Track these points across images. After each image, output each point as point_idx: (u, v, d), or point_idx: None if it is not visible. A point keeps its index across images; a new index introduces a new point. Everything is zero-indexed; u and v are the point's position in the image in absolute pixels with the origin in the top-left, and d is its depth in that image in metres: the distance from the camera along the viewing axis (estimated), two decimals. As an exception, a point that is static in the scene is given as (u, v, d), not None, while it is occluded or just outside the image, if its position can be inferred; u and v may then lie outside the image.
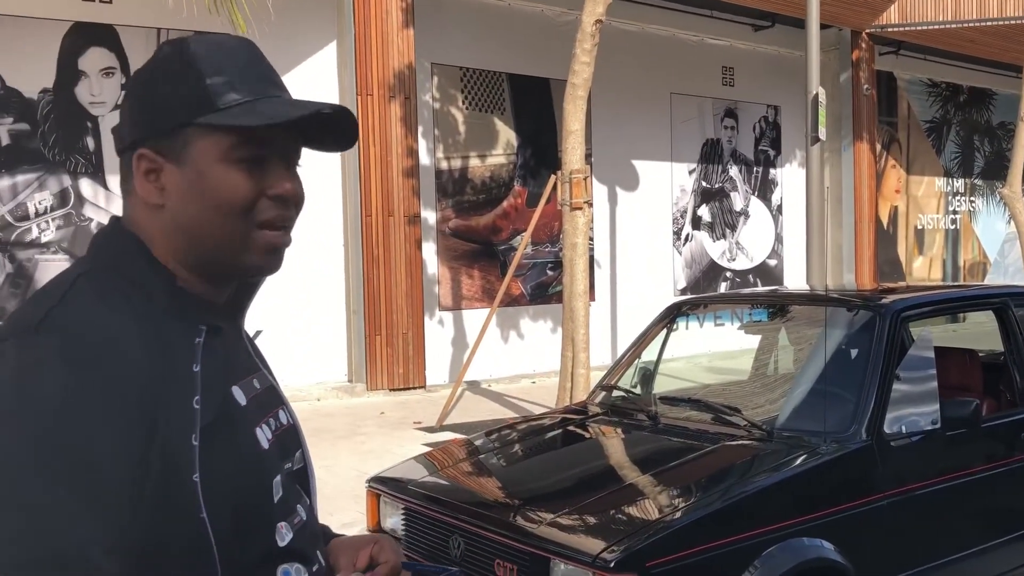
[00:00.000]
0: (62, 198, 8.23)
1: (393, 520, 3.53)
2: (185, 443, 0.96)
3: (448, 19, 10.32)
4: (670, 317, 4.49)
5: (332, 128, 1.12)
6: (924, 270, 16.35)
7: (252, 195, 1.05)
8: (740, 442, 3.36)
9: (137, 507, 0.92)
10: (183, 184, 1.04)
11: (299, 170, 1.12)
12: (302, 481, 1.19)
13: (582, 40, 6.94)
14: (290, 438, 1.18)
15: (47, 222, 8.18)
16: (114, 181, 8.16)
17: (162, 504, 0.94)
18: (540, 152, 10.90)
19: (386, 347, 9.41)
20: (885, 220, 15.42)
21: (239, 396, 1.07)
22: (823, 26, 12.69)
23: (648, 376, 4.33)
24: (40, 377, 0.91)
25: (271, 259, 1.09)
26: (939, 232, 16.69)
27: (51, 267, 8.13)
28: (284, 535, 1.08)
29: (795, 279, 13.63)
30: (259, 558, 1.05)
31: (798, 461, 3.11)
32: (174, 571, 0.96)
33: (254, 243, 1.07)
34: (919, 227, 16.23)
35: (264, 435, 1.09)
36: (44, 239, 8.17)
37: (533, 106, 11.06)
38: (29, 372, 0.92)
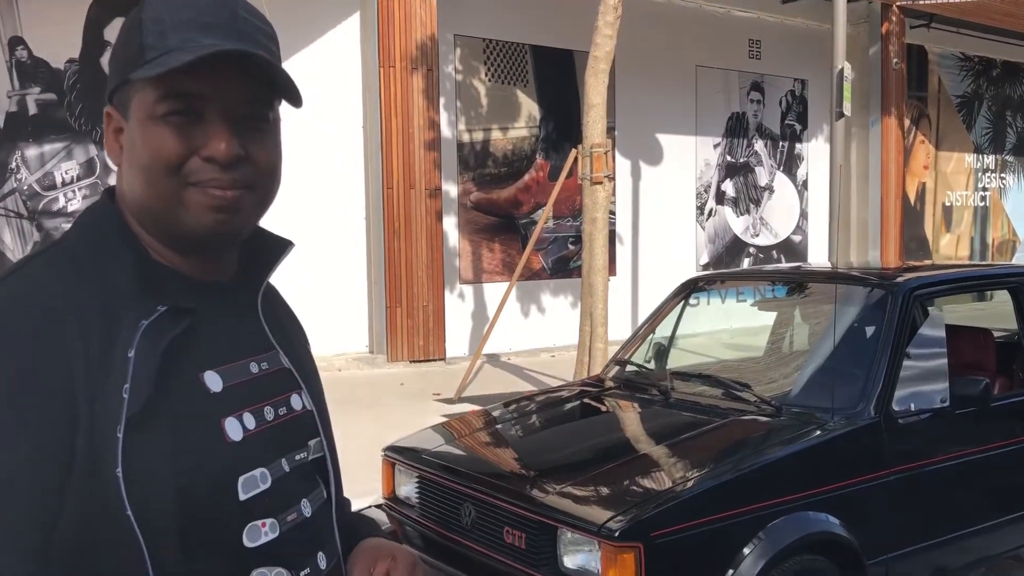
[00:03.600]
0: (88, 167, 8.34)
1: (407, 488, 3.60)
2: (110, 435, 0.89)
3: (472, -10, 10.29)
4: (685, 293, 4.50)
5: (281, 79, 1.02)
6: (951, 248, 16.17)
7: (177, 154, 0.97)
8: (749, 417, 3.39)
9: (58, 502, 0.88)
10: (128, 143, 1.00)
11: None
12: (321, 472, 1.12)
13: (605, 13, 6.90)
14: (302, 426, 1.10)
15: (73, 191, 8.30)
16: (139, 151, 8.24)
17: (84, 500, 0.88)
18: (563, 125, 10.87)
19: (407, 319, 9.49)
20: (912, 196, 15.25)
21: (212, 382, 1.00)
22: (852, -1, 12.54)
23: (662, 351, 4.37)
24: None
25: (219, 218, 1.00)
26: (967, 209, 16.47)
27: (78, 236, 8.26)
28: (261, 535, 1.00)
29: (819, 255, 13.54)
30: (217, 561, 0.96)
31: (805, 436, 3.14)
32: (99, 572, 0.90)
33: (188, 202, 0.98)
34: (947, 204, 16.04)
35: (240, 425, 1.00)
36: (70, 208, 8.29)
37: (556, 78, 11.01)
38: None
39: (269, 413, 1.05)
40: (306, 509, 1.06)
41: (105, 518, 0.89)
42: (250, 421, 1.02)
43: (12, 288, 0.94)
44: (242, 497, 0.98)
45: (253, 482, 0.99)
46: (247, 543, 0.98)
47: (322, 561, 1.08)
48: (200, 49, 0.94)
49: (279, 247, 1.14)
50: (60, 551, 0.88)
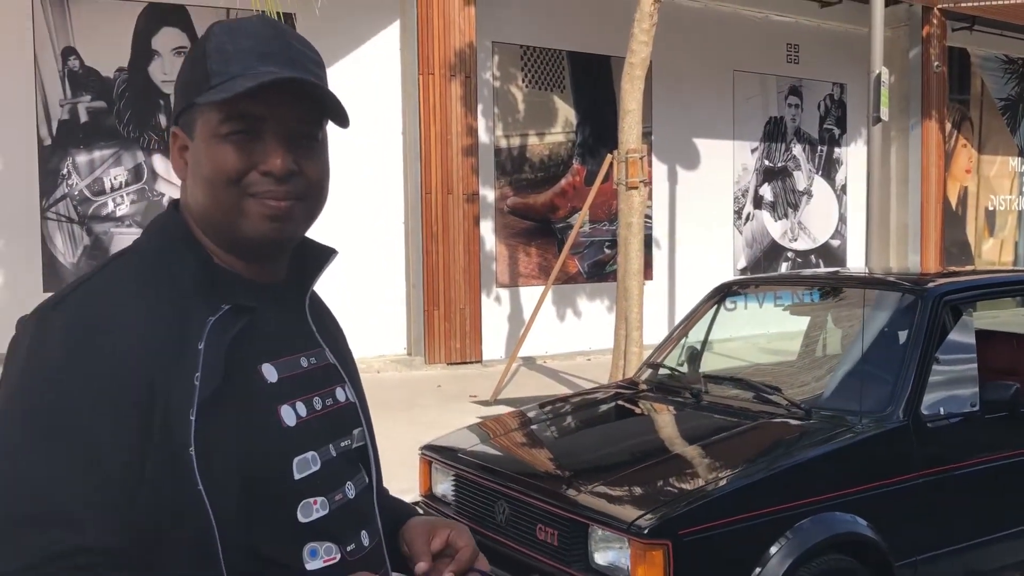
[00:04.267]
0: (136, 173, 8.58)
1: (443, 486, 3.70)
2: (184, 417, 1.00)
3: (509, -2, 10.40)
4: (719, 297, 4.56)
5: (331, 103, 1.12)
6: (994, 252, 15.95)
7: (238, 168, 1.08)
8: (779, 420, 3.45)
9: (137, 476, 0.97)
10: (193, 159, 1.11)
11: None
12: (363, 459, 1.22)
13: (640, 20, 6.96)
14: (347, 416, 1.20)
15: (122, 196, 8.54)
16: (185, 158, 8.46)
17: (161, 475, 0.98)
18: (599, 130, 10.93)
19: (444, 322, 9.61)
20: (954, 201, 15.08)
21: (269, 374, 1.11)
22: (893, 2, 12.45)
23: (695, 355, 4.42)
24: (43, 349, 1.00)
25: (274, 227, 1.11)
26: (1011, 214, 16.24)
27: (125, 240, 8.47)
28: (313, 511, 1.10)
29: (858, 260, 13.44)
30: (275, 534, 1.06)
31: (834, 438, 3.19)
32: (172, 541, 0.99)
33: (247, 211, 1.09)
34: (990, 208, 15.82)
35: (294, 412, 1.11)
36: (119, 213, 8.53)
37: (593, 84, 11.08)
38: (37, 344, 1.01)
39: (318, 403, 1.16)
40: (350, 491, 1.17)
41: (179, 493, 0.99)
42: (302, 409, 1.13)
43: (96, 286, 1.06)
44: (296, 477, 1.09)
45: (305, 464, 1.10)
46: (301, 519, 1.09)
47: (365, 539, 1.18)
48: (261, 76, 1.05)
49: (324, 255, 1.25)
50: (138, 523, 0.98)
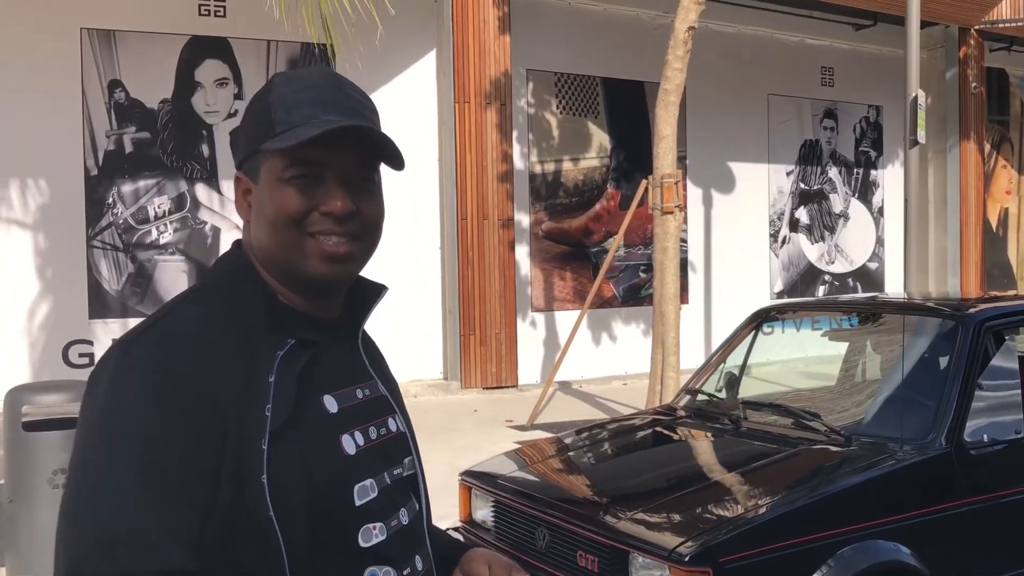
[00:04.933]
0: (179, 202, 8.75)
1: (483, 512, 3.73)
2: (256, 447, 1.05)
3: (544, 25, 10.51)
4: (757, 322, 4.56)
5: (389, 148, 1.19)
6: (1037, 275, 15.70)
7: (301, 210, 1.14)
8: (819, 446, 3.44)
9: (210, 503, 1.03)
10: (257, 202, 1.17)
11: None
12: (413, 487, 1.27)
13: (674, 47, 7.01)
14: (398, 445, 1.26)
15: (165, 225, 8.72)
16: (227, 187, 8.64)
17: (233, 502, 1.03)
18: (634, 155, 10.97)
19: (480, 346, 9.66)
20: (994, 222, 14.89)
21: (330, 404, 1.17)
22: (928, 23, 12.39)
23: (733, 381, 4.42)
24: (127, 382, 1.05)
25: (333, 267, 1.16)
26: (1054, 235, 16.00)
27: (169, 267, 8.67)
28: (373, 536, 1.15)
29: (896, 283, 13.30)
30: (338, 558, 1.11)
31: (875, 465, 3.17)
32: (243, 566, 1.04)
33: (308, 251, 1.15)
34: (1032, 229, 15.60)
35: (353, 442, 1.17)
36: (162, 241, 8.71)
37: (627, 109, 11.14)
38: (120, 377, 1.06)
39: (373, 432, 1.22)
40: (404, 517, 1.22)
41: (250, 519, 1.05)
42: (359, 438, 1.19)
43: (171, 324, 1.12)
44: (357, 503, 1.15)
45: (365, 491, 1.16)
46: (362, 543, 1.14)
47: (419, 563, 1.23)
48: (324, 124, 1.12)
49: (374, 291, 1.31)
50: (210, 547, 1.03)
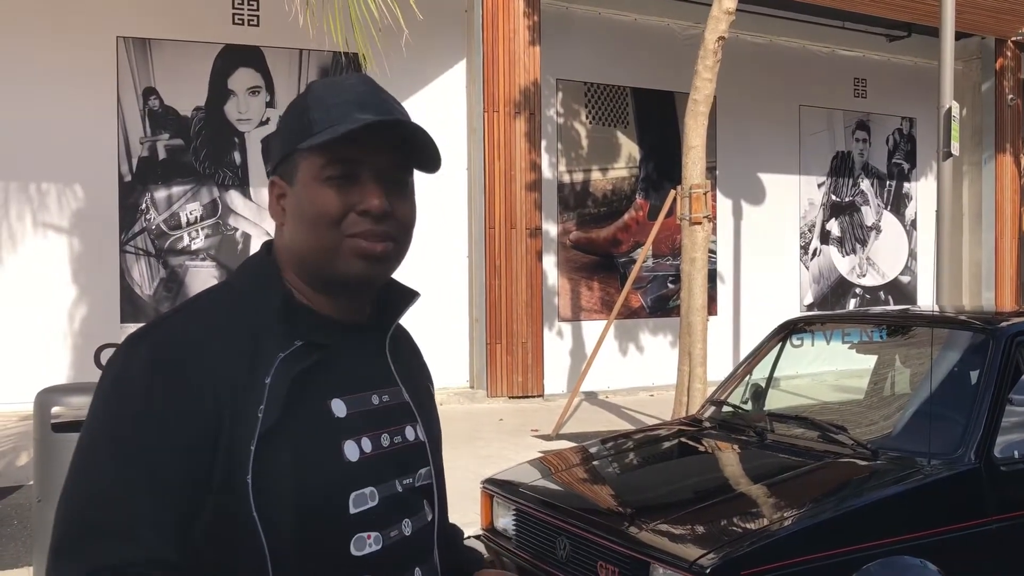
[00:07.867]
0: (211, 209, 8.86)
1: (505, 520, 3.72)
2: (245, 447, 1.06)
3: (574, 35, 10.52)
4: (784, 334, 4.52)
5: (425, 149, 1.20)
6: (1074, 290, 15.42)
7: (339, 209, 1.15)
8: (845, 460, 3.39)
9: (198, 501, 1.04)
10: (292, 203, 1.18)
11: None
12: (428, 497, 1.25)
13: (704, 57, 6.99)
14: (414, 454, 1.24)
15: (197, 231, 8.82)
16: (258, 194, 8.73)
17: (220, 500, 1.05)
18: (663, 165, 10.94)
19: (506, 355, 9.66)
20: (1030, 236, 14.66)
21: (338, 408, 1.15)
22: (964, 35, 12.26)
23: (759, 392, 4.38)
24: (127, 377, 1.08)
25: (367, 266, 1.17)
26: (1092, 249, 15.71)
27: (200, 273, 8.77)
28: (367, 546, 1.13)
29: (929, 296, 13.13)
30: (326, 565, 1.10)
31: (902, 480, 3.13)
32: (227, 566, 1.05)
33: (345, 251, 1.16)
34: (1069, 244, 15.33)
35: (358, 448, 1.15)
36: (194, 247, 8.81)
37: (656, 119, 11.12)
38: (123, 371, 1.09)
39: (385, 440, 1.20)
40: (407, 528, 1.20)
41: (235, 519, 1.05)
42: (367, 445, 1.17)
43: (181, 320, 1.14)
44: (352, 511, 1.13)
45: (363, 499, 1.14)
46: (354, 551, 1.13)
47: (418, 575, 1.21)
48: (362, 120, 1.13)
49: (406, 296, 1.30)
50: (195, 544, 1.05)
